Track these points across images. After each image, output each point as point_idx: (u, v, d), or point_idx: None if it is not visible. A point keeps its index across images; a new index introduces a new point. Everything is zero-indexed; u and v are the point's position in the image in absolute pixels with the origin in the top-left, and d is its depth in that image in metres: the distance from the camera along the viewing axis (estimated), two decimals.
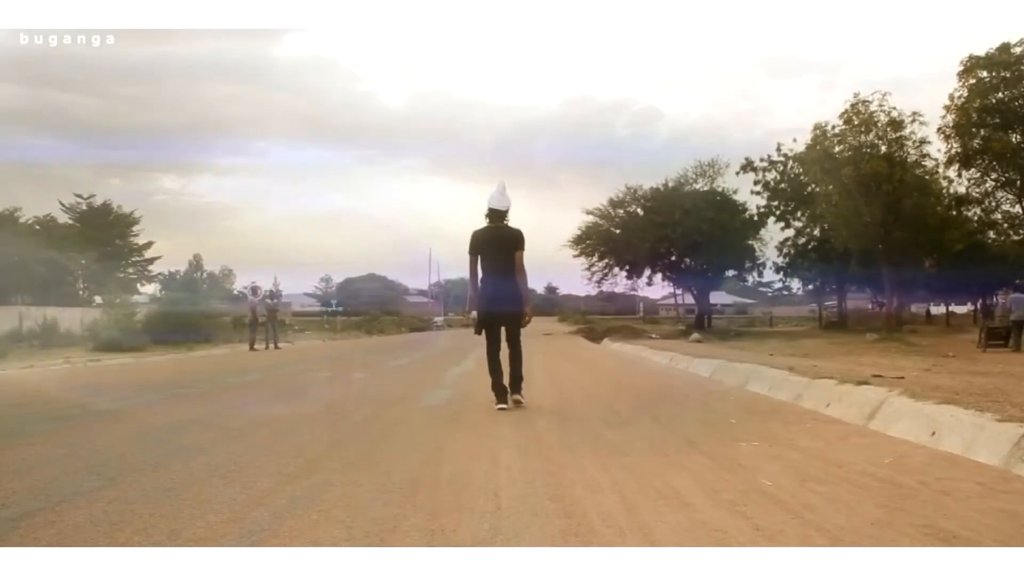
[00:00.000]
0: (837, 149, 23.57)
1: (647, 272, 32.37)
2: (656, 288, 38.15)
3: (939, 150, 22.52)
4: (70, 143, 60.40)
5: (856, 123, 23.15)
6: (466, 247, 5.38)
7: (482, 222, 5.39)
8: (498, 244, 5.28)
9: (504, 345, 5.37)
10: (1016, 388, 4.74)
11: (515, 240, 5.30)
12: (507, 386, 5.24)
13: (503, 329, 5.36)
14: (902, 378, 5.53)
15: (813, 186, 25.76)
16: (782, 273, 30.40)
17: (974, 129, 20.71)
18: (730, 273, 32.65)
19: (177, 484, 2.93)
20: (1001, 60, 20.27)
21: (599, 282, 32.59)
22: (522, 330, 5.45)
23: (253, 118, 75.19)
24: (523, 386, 5.33)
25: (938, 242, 22.83)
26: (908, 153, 23.02)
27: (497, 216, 5.33)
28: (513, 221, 5.42)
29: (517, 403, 5.20)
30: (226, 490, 2.82)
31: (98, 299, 26.29)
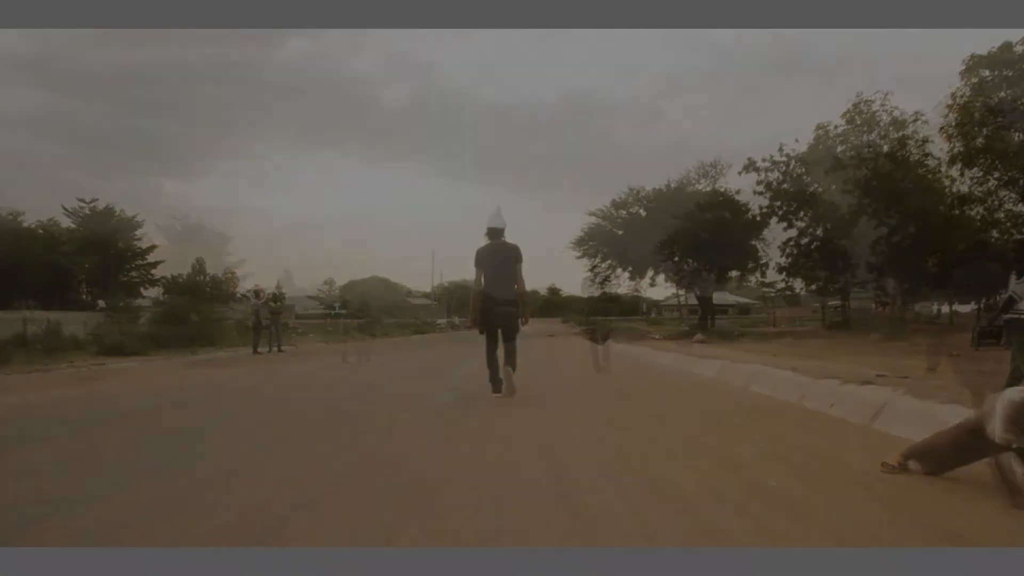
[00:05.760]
0: (840, 149, 23.52)
1: (650, 273, 32.40)
2: (659, 289, 38.17)
3: (941, 149, 22.46)
4: (72, 147, 60.48)
5: (859, 123, 23.07)
6: (468, 249, 5.95)
7: (481, 226, 6.12)
8: (499, 258, 6.06)
9: (502, 343, 6.09)
10: None
11: (514, 254, 6.10)
12: (502, 378, 5.92)
13: (499, 331, 6.06)
14: (906, 377, 5.52)
15: (816, 186, 25.71)
16: (785, 273, 30.28)
17: (976, 128, 20.65)
18: (733, 274, 32.58)
19: (183, 488, 2.94)
20: (1003, 59, 20.22)
21: (602, 284, 32.59)
22: (524, 331, 6.15)
23: (255, 121, 75.21)
24: (515, 370, 5.97)
25: (941, 241, 22.71)
26: (911, 152, 22.97)
27: (496, 234, 6.12)
28: (517, 225, 6.12)
29: (507, 375, 5.88)
30: (231, 494, 2.82)
31: (101, 303, 26.33)
